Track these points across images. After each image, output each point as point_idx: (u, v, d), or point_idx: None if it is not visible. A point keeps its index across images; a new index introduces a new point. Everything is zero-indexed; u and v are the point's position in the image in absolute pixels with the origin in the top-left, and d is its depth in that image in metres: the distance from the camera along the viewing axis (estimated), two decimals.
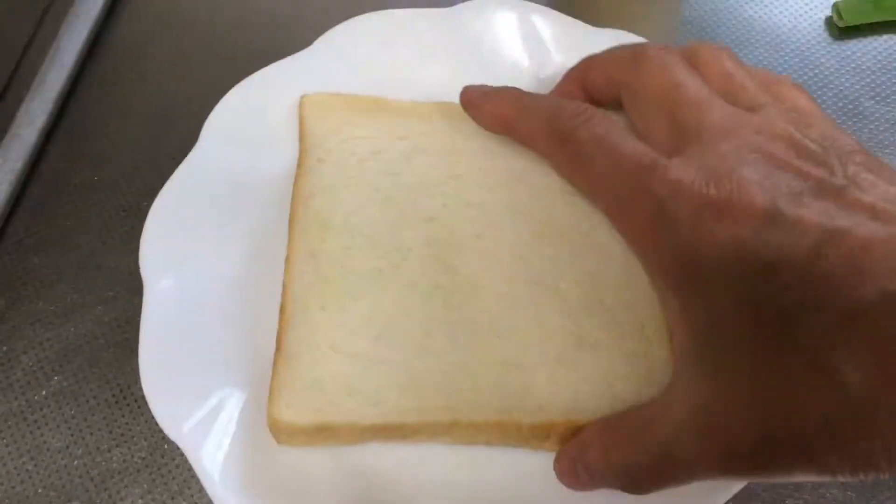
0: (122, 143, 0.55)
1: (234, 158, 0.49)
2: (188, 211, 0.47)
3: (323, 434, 0.42)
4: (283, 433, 0.41)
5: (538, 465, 0.42)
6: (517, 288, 0.44)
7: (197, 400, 0.42)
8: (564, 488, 0.42)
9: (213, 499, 0.40)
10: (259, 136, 0.50)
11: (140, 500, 0.43)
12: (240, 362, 0.44)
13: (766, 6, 0.60)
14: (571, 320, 0.43)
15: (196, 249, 0.46)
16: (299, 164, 0.48)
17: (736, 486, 0.40)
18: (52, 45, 0.57)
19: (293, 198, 0.47)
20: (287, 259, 0.45)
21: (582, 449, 0.39)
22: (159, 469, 0.44)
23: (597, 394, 0.41)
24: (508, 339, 0.43)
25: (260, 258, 0.47)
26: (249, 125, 0.50)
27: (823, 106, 0.55)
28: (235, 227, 0.47)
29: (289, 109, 0.50)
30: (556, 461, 0.41)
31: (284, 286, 0.45)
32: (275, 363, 0.43)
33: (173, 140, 0.55)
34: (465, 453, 0.43)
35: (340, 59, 0.52)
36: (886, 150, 0.54)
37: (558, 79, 0.51)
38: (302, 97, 0.50)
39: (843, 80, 0.57)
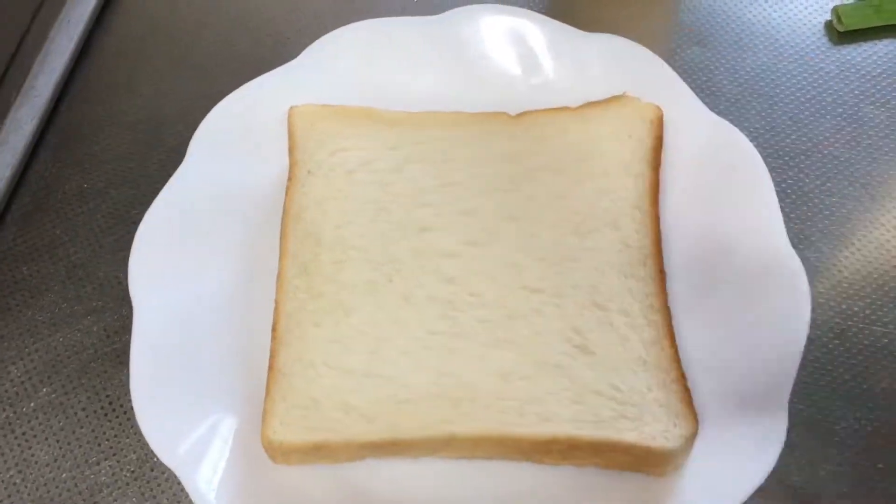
0: (111, 150, 0.54)
1: (222, 173, 0.48)
2: (176, 229, 0.46)
3: (319, 452, 0.41)
4: (278, 453, 0.41)
5: (540, 479, 0.42)
6: (514, 296, 0.44)
7: (190, 423, 0.41)
8: (565, 502, 0.41)
9: None
10: (248, 149, 0.49)
11: None
12: (232, 382, 0.43)
13: (764, 10, 0.60)
14: (570, 327, 0.43)
15: (185, 268, 0.45)
16: (289, 178, 0.47)
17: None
18: (42, 50, 0.56)
19: (283, 212, 0.46)
20: (278, 275, 0.45)
21: None
22: (148, 482, 0.43)
23: (599, 403, 0.41)
24: (507, 349, 0.42)
25: (251, 275, 0.46)
26: (238, 139, 0.49)
27: (822, 111, 0.55)
28: (225, 244, 0.47)
29: (277, 122, 0.50)
30: None
31: (276, 303, 0.44)
32: (268, 382, 0.42)
33: (163, 148, 0.54)
34: (464, 468, 0.42)
35: (329, 70, 0.52)
36: (886, 157, 0.53)
37: (550, 85, 0.50)
38: (290, 109, 0.49)
39: (842, 84, 0.56)
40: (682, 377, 0.41)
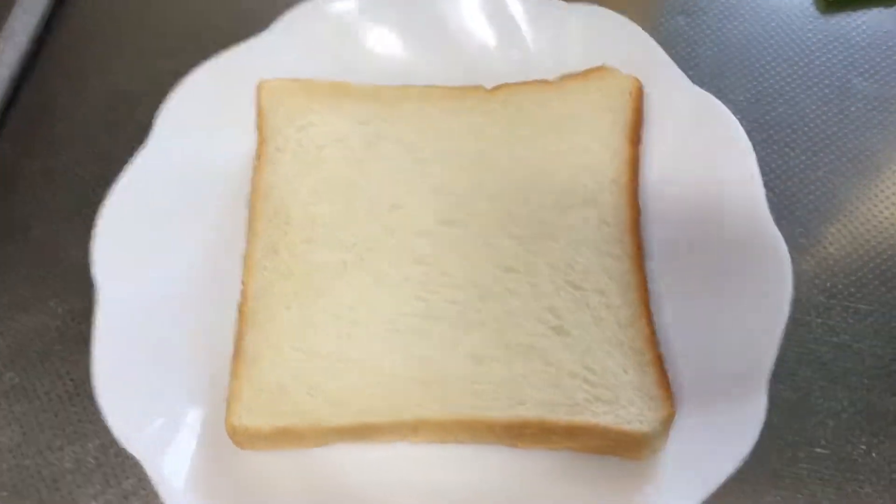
0: (78, 128, 0.53)
1: (189, 150, 0.47)
2: (142, 210, 0.45)
3: (286, 438, 0.40)
4: (243, 439, 0.40)
5: (513, 463, 0.41)
6: (488, 275, 0.42)
7: (154, 409, 0.40)
8: (539, 487, 0.40)
9: None
10: (216, 125, 0.48)
11: (93, 501, 0.42)
12: (199, 367, 0.42)
13: None
14: (545, 307, 0.41)
15: (151, 250, 0.44)
16: (258, 155, 0.46)
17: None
18: (6, 26, 0.54)
19: (252, 191, 0.45)
20: (246, 256, 0.43)
21: None
22: (113, 469, 0.42)
23: (573, 385, 0.40)
24: (479, 331, 0.41)
25: (219, 256, 0.45)
26: (205, 115, 0.47)
27: (809, 83, 0.53)
28: (192, 225, 0.45)
29: (246, 97, 0.48)
30: None
31: (243, 284, 0.43)
32: (233, 366, 0.41)
33: (131, 125, 0.52)
34: (436, 452, 0.41)
35: (299, 43, 0.50)
36: (875, 130, 0.51)
37: (529, 58, 0.49)
38: (259, 83, 0.48)
39: (830, 55, 0.54)
40: (659, 359, 0.40)
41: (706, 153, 0.46)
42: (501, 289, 0.42)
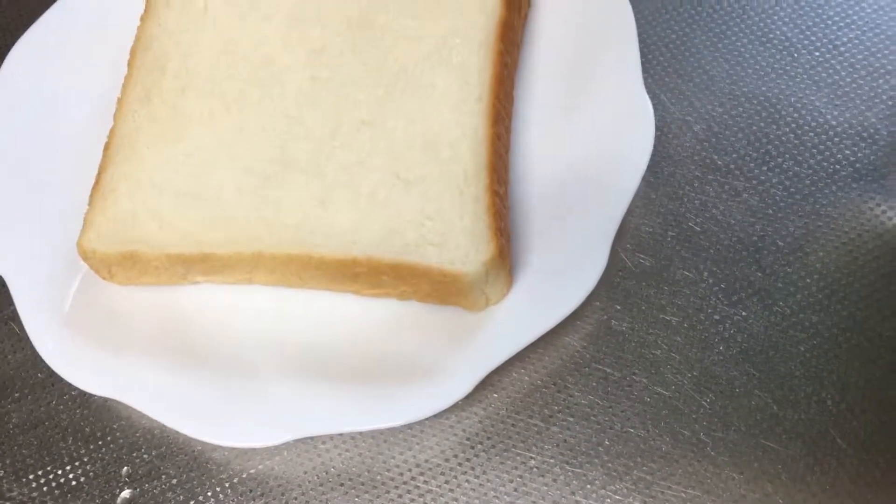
0: None
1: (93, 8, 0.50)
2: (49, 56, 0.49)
3: (134, 266, 0.42)
4: (95, 263, 0.42)
5: (360, 310, 0.42)
6: (345, 128, 0.43)
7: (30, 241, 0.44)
8: (377, 333, 0.41)
9: (29, 332, 0.41)
10: None
11: None
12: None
13: None
14: (393, 158, 0.42)
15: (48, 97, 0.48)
16: (146, 9, 0.47)
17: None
18: None
19: (134, 41, 0.47)
20: (119, 101, 0.45)
21: None
22: None
23: (408, 230, 0.40)
24: (326, 178, 0.42)
25: (103, 105, 0.47)
26: None
27: None
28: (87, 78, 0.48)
29: None
30: None
31: (113, 126, 0.45)
32: (91, 196, 0.43)
33: None
34: (286, 298, 0.43)
35: None
36: None
37: None
38: None
39: None
40: (494, 205, 0.40)
41: (588, 11, 0.46)
42: (356, 141, 0.43)
